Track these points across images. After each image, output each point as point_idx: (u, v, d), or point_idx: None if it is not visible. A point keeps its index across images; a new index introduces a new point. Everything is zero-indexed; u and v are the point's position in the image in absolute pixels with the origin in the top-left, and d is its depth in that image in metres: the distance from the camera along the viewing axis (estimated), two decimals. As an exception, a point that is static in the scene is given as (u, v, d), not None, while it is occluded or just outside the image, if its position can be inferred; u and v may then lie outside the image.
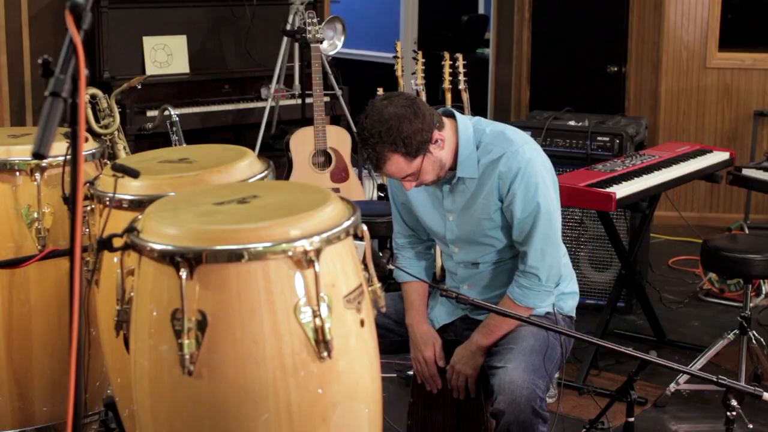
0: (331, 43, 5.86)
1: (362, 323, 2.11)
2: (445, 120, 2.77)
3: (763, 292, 4.82)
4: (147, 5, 5.70)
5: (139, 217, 2.19)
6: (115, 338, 2.24)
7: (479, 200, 2.77)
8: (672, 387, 3.81)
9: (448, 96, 5.22)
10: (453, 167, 2.77)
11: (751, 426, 3.46)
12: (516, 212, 2.72)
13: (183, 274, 1.94)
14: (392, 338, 2.97)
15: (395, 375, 4.00)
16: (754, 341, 3.91)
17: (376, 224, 4.21)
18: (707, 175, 4.42)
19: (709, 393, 3.89)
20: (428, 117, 2.67)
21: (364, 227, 2.15)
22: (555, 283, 2.81)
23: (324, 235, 2.01)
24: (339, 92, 5.97)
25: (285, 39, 5.80)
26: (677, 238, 6.05)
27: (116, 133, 4.37)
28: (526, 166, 2.70)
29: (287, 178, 5.34)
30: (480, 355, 2.83)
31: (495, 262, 2.88)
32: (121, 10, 5.54)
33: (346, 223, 2.08)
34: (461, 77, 5.21)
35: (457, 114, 2.82)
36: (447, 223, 2.88)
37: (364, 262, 2.19)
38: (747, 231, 5.20)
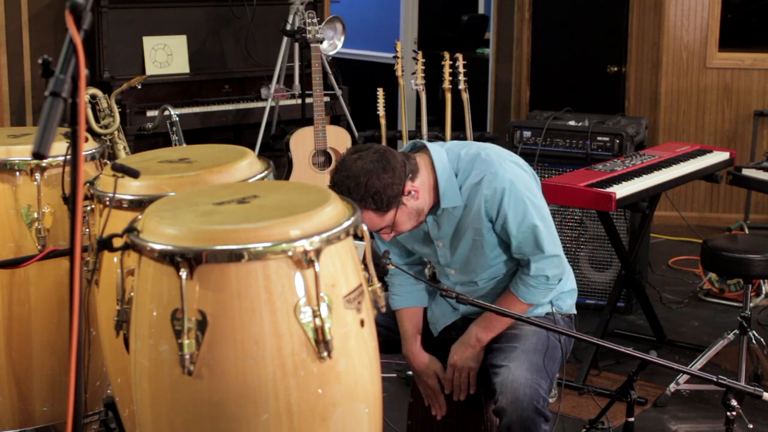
0: (331, 43, 5.86)
1: (362, 323, 2.11)
2: (418, 155, 2.73)
3: (763, 292, 4.82)
4: (147, 5, 5.70)
5: (139, 217, 2.19)
6: (115, 338, 2.24)
7: (469, 223, 2.76)
8: (672, 387, 3.81)
9: (448, 96, 5.22)
10: (436, 202, 2.74)
11: (751, 426, 3.47)
12: (511, 230, 2.72)
13: (183, 274, 1.94)
14: (392, 338, 2.96)
15: (395, 375, 4.00)
16: (754, 341, 3.91)
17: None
18: (707, 175, 4.41)
19: (709, 393, 3.89)
20: (399, 170, 2.62)
21: (364, 227, 2.15)
22: (559, 279, 2.83)
23: (324, 235, 2.01)
24: (339, 92, 5.97)
25: (285, 39, 5.80)
26: (677, 238, 6.05)
27: (116, 133, 4.37)
28: (510, 185, 2.69)
29: (287, 178, 5.34)
30: (480, 348, 2.83)
31: (493, 278, 2.87)
32: (121, 10, 5.54)
33: (346, 223, 2.08)
34: (461, 77, 5.21)
35: (429, 145, 2.77)
36: (438, 249, 2.87)
37: (364, 262, 2.19)
38: (747, 231, 5.20)
